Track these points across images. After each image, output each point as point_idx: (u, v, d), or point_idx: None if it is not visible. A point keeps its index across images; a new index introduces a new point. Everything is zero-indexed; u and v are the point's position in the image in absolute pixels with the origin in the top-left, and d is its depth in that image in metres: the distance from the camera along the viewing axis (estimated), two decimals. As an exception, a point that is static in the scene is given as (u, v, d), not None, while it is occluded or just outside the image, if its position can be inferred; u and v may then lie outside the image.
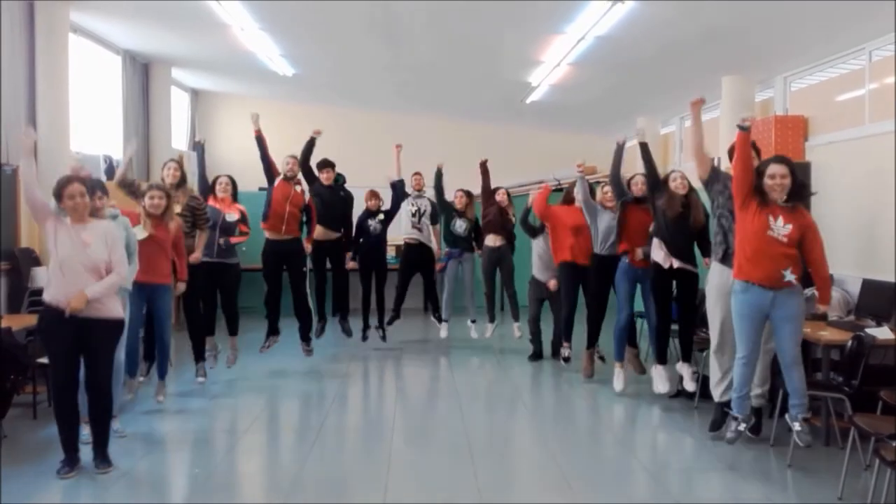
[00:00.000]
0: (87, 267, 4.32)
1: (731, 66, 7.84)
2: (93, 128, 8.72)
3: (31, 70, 7.21)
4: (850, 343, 4.88)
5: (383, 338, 8.39)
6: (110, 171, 8.46)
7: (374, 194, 8.34)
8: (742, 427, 4.65)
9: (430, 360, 8.19)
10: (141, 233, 5.40)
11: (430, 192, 8.52)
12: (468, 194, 8.33)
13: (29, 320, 5.99)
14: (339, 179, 7.81)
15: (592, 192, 6.63)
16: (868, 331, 5.00)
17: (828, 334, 5.29)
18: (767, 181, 4.41)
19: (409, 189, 8.44)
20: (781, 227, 4.40)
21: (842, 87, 7.16)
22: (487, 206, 8.01)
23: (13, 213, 7.00)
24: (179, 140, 11.27)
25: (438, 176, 8.38)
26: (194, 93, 12.06)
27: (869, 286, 6.02)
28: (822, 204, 7.10)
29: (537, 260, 7.80)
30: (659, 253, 5.80)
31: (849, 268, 6.56)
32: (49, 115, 7.21)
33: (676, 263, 5.71)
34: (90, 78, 8.58)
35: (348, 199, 7.90)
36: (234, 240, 6.55)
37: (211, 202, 6.55)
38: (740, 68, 7.89)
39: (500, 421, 5.98)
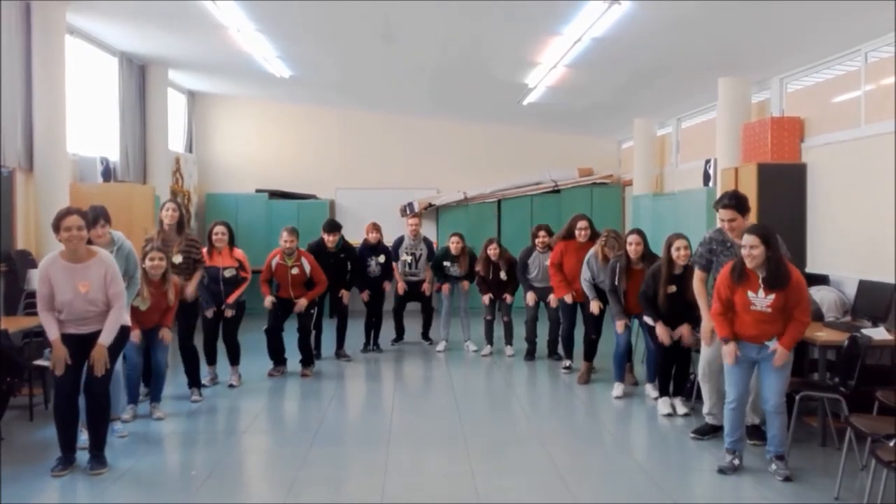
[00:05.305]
0: (87, 303, 4.49)
1: (727, 67, 7.85)
2: (89, 129, 8.70)
3: (28, 72, 7.19)
4: (846, 343, 4.90)
5: (378, 350, 8.65)
6: (107, 172, 8.44)
7: (375, 227, 8.40)
8: (737, 462, 4.60)
9: (427, 361, 8.19)
10: (142, 305, 5.54)
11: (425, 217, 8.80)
12: (463, 238, 8.43)
13: (26, 322, 5.99)
14: (340, 242, 7.97)
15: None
16: (864, 331, 5.01)
17: (824, 335, 5.31)
18: (741, 251, 4.41)
19: (406, 238, 8.61)
20: (763, 300, 4.39)
21: (838, 88, 7.18)
22: (482, 264, 8.17)
23: (10, 216, 6.98)
24: (176, 142, 11.25)
25: (436, 262, 8.49)
26: (191, 94, 12.04)
27: (865, 287, 6.04)
28: (817, 205, 7.15)
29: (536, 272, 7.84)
30: (655, 327, 5.86)
31: (845, 269, 6.57)
32: (45, 117, 7.19)
33: (677, 334, 5.81)
34: (87, 79, 8.56)
35: (351, 257, 8.07)
36: (232, 297, 6.57)
37: (206, 261, 6.52)
38: (737, 70, 7.90)
39: (497, 420, 5.98)
